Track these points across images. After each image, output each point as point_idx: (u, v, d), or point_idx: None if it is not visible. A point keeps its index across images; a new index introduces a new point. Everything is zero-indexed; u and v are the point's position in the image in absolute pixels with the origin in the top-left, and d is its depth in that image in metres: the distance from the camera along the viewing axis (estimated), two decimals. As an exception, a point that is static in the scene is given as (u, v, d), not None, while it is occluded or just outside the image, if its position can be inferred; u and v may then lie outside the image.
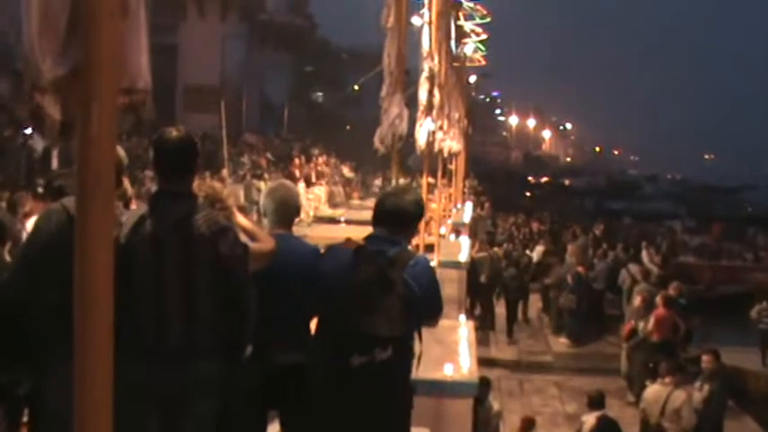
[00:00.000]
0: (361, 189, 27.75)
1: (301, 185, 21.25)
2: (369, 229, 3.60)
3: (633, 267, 16.92)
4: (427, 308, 3.43)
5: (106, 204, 1.60)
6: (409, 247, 3.65)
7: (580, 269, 16.58)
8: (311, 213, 21.70)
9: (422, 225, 9.23)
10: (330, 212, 22.60)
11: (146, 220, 3.06)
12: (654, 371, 11.79)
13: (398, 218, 3.48)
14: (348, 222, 15.41)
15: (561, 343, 16.42)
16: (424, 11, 8.61)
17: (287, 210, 3.95)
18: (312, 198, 22.27)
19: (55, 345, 2.54)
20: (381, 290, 3.22)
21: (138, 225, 3.05)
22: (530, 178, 72.68)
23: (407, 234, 3.58)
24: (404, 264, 3.31)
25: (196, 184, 3.35)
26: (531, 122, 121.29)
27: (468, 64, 26.88)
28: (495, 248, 18.66)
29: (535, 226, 28.46)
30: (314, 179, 24.21)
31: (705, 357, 10.83)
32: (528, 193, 57.46)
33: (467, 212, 20.37)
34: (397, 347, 3.24)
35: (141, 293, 3.00)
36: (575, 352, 16.03)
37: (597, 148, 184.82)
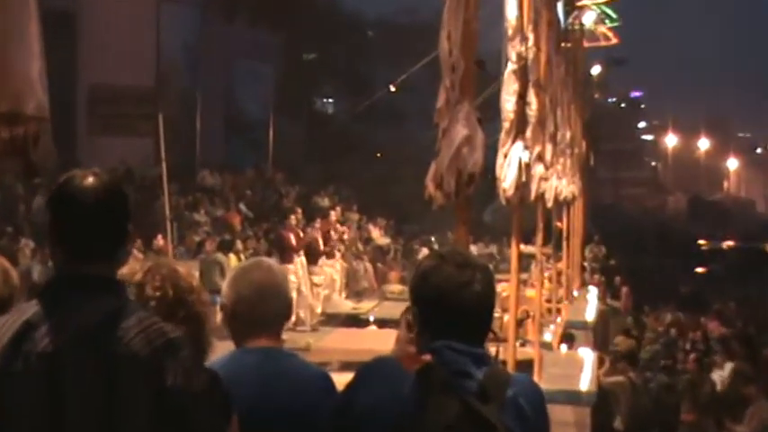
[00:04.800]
0: (401, 265, 27.77)
1: (300, 261, 21.38)
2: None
3: None
4: None
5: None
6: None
7: (804, 408, 16.39)
8: (318, 309, 21.76)
9: (510, 326, 9.25)
10: (351, 306, 22.59)
11: (35, 330, 3.02)
12: None
13: (475, 313, 3.47)
14: (381, 324, 15.43)
15: None
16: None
17: (268, 307, 4.00)
18: (320, 283, 22.34)
19: None
20: None
21: (21, 339, 3.01)
22: (701, 242, 72.18)
23: (484, 337, 3.58)
24: (502, 393, 3.32)
25: (133, 266, 3.44)
26: (703, 143, 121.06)
27: (587, 44, 26.98)
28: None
29: (714, 327, 28.16)
30: (322, 249, 24.35)
31: None
32: (699, 269, 57.00)
33: (590, 305, 20.31)
34: None
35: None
36: None
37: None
